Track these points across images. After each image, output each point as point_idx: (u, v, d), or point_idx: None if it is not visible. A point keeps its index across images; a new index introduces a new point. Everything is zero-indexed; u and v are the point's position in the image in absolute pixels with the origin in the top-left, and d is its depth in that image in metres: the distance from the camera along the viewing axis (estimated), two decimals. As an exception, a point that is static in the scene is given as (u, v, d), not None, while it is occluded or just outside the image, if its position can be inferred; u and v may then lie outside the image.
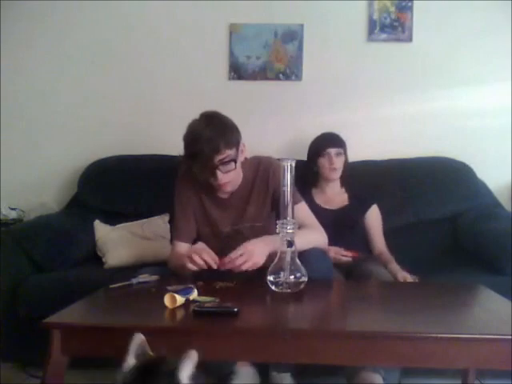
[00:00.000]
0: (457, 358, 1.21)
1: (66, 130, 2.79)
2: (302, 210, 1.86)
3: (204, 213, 1.91)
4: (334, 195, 2.39)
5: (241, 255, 1.61)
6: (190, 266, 1.63)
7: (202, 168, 1.75)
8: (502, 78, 2.64)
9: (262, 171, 1.90)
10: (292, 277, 1.50)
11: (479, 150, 2.62)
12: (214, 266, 1.61)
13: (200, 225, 1.93)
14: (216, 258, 1.63)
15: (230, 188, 1.84)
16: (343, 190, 2.42)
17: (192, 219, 1.92)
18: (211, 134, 1.71)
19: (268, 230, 1.82)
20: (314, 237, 1.83)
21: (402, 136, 2.67)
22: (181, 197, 1.92)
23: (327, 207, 2.33)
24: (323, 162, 2.34)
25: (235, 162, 1.76)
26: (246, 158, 1.90)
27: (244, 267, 1.61)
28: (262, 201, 1.90)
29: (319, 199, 2.36)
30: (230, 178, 1.78)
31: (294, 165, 1.55)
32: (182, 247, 1.87)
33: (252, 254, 1.62)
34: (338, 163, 2.34)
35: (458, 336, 1.18)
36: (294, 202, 1.78)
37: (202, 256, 1.62)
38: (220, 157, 1.72)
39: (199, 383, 0.93)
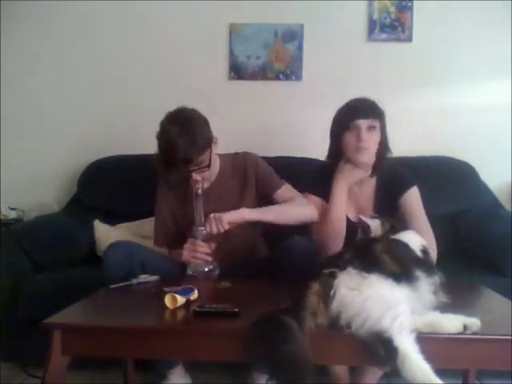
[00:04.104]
0: (457, 358, 1.21)
1: (66, 130, 2.79)
2: (283, 193, 1.97)
3: (184, 210, 1.95)
4: (364, 194, 1.93)
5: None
6: (195, 262, 1.82)
7: (177, 176, 1.86)
8: (503, 78, 2.64)
9: (237, 163, 2.01)
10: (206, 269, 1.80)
11: (479, 149, 2.62)
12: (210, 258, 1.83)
13: (182, 223, 1.98)
14: (207, 249, 1.82)
15: (206, 182, 1.92)
16: (374, 181, 1.94)
17: (169, 223, 2.01)
18: (185, 144, 1.76)
19: None
20: (301, 210, 1.90)
21: (403, 135, 2.65)
22: (159, 202, 2.03)
23: (351, 216, 1.88)
24: (349, 138, 1.83)
25: (208, 166, 1.86)
26: (222, 154, 2.03)
27: (211, 229, 1.76)
28: (242, 191, 1.98)
29: (347, 201, 1.90)
30: (204, 175, 1.87)
31: None
32: (162, 251, 1.99)
33: (219, 218, 1.76)
34: (371, 141, 1.82)
35: (458, 336, 1.18)
36: (277, 188, 1.97)
37: (198, 251, 1.81)
38: (194, 166, 1.82)
39: None
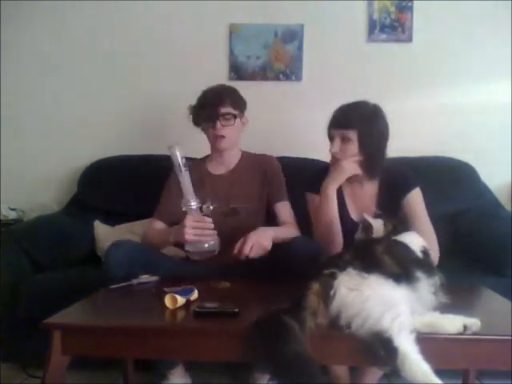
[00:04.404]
0: (457, 358, 1.21)
1: (67, 130, 2.79)
2: (284, 208, 2.01)
3: (200, 191, 1.92)
4: (367, 195, 1.92)
5: (246, 243, 1.72)
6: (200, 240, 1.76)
7: (206, 116, 1.95)
8: (503, 78, 2.64)
9: (260, 161, 2.09)
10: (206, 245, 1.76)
11: (479, 149, 2.62)
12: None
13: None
14: (211, 224, 1.77)
15: (224, 144, 1.98)
16: (376, 182, 1.91)
17: (176, 200, 1.90)
18: (221, 89, 1.98)
19: (260, 212, 2.02)
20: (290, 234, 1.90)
21: (403, 136, 2.64)
22: (170, 183, 2.02)
23: (354, 217, 1.88)
24: (330, 146, 1.85)
25: (235, 118, 1.96)
26: (247, 151, 2.11)
27: (252, 254, 1.72)
28: (259, 190, 2.02)
29: (349, 200, 1.93)
30: (226, 133, 1.96)
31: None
32: (160, 225, 1.98)
33: (258, 241, 1.73)
34: (344, 153, 1.81)
35: (458, 336, 1.18)
36: (280, 199, 2.01)
37: (205, 227, 1.75)
38: (223, 110, 1.93)
39: None
